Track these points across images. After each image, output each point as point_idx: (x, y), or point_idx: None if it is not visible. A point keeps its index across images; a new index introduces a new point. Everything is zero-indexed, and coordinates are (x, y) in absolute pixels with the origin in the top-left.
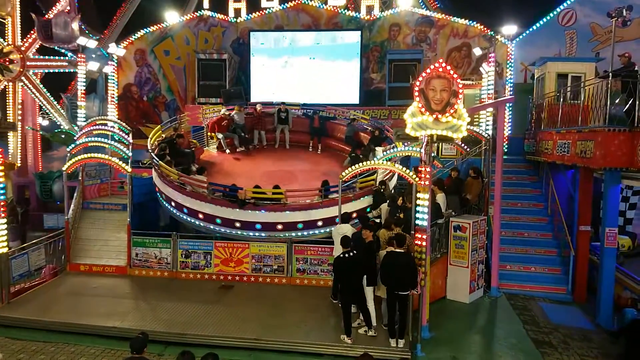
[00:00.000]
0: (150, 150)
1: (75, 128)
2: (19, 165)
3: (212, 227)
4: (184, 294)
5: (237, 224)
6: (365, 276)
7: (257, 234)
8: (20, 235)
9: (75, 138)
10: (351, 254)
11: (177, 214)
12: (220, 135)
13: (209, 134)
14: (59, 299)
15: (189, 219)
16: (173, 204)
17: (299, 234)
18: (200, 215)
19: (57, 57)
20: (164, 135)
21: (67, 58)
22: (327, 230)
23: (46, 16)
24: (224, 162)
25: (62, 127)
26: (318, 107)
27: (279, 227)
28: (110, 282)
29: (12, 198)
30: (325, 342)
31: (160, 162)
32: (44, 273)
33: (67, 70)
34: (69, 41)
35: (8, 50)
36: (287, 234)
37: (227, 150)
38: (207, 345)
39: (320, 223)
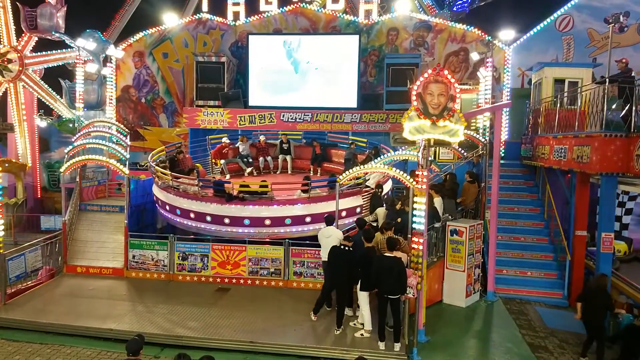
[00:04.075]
0: (150, 160)
1: (75, 112)
2: (30, 165)
3: (203, 225)
4: (181, 296)
5: (227, 220)
6: (352, 277)
7: (246, 230)
8: None
9: (73, 140)
10: (349, 247)
11: (172, 217)
12: (222, 161)
13: (212, 160)
14: (55, 300)
15: (178, 220)
16: (167, 207)
17: (288, 230)
18: (192, 215)
19: (55, 51)
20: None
21: (69, 50)
22: (317, 227)
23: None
24: None
25: (65, 117)
26: (318, 135)
27: (267, 222)
28: (107, 284)
29: (24, 199)
30: (321, 345)
31: (155, 166)
32: (41, 274)
33: (66, 63)
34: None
35: (5, 51)
36: (275, 230)
37: (228, 176)
38: (203, 348)
39: (308, 219)
